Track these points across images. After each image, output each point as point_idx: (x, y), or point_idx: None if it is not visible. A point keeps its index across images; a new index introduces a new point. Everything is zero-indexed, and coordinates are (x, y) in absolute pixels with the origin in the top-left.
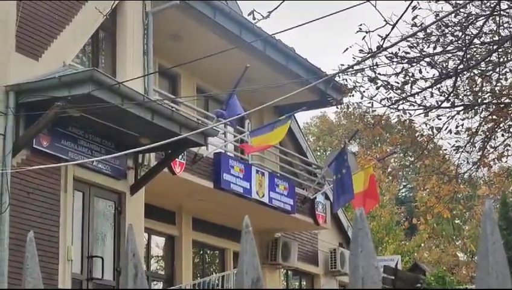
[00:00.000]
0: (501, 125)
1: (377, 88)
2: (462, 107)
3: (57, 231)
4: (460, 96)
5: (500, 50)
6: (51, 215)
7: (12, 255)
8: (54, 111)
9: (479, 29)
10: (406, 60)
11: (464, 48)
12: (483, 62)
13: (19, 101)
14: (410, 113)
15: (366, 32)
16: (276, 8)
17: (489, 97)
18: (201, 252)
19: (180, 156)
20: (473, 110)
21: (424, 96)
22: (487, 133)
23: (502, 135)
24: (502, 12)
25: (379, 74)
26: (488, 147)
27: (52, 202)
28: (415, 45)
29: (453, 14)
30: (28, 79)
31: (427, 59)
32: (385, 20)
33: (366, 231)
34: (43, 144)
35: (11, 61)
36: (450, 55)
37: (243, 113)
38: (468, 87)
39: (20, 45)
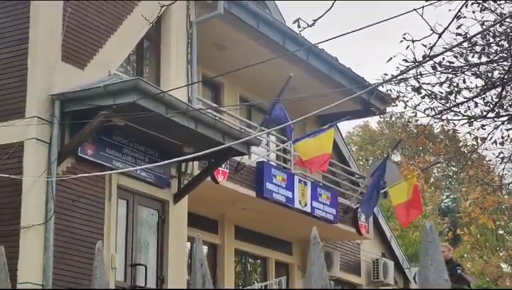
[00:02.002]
0: None
1: (422, 98)
2: (506, 118)
3: (101, 238)
4: (505, 107)
5: None
6: (95, 223)
7: (57, 262)
8: (98, 120)
9: None
10: (451, 70)
11: (510, 58)
12: None
13: (64, 109)
14: (454, 123)
15: (413, 42)
16: (321, 17)
17: None
18: (244, 261)
19: (223, 165)
20: None
21: (469, 106)
22: None
23: None
24: None
25: (423, 83)
26: None
27: (96, 209)
28: (460, 54)
29: (498, 24)
30: (74, 88)
31: (472, 69)
32: (432, 30)
33: (436, 244)
34: (88, 152)
35: (57, 71)
36: (495, 65)
37: (289, 122)
38: None
39: (66, 54)
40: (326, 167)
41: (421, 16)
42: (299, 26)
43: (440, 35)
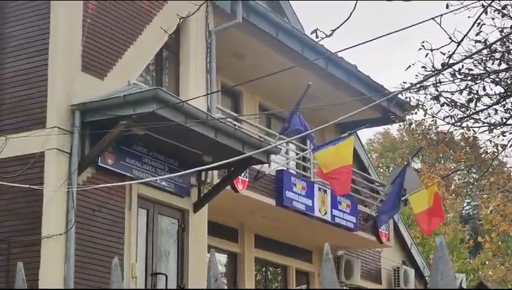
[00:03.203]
0: None
1: (441, 105)
2: None
3: (122, 248)
4: None
5: None
6: (115, 232)
7: (77, 272)
8: (118, 129)
9: None
10: (470, 77)
11: None
12: None
13: (85, 119)
14: (474, 130)
15: (431, 50)
16: (339, 27)
17: None
18: (264, 269)
19: (242, 174)
20: None
21: (489, 113)
22: None
23: None
24: None
25: (442, 91)
26: None
27: (116, 219)
28: (479, 61)
29: None
30: (93, 98)
31: (492, 76)
32: (450, 38)
33: (446, 259)
34: (108, 162)
35: (77, 81)
36: None
37: (308, 131)
38: None
39: (85, 64)
40: (349, 189)
41: (439, 25)
42: (317, 37)
43: (459, 44)
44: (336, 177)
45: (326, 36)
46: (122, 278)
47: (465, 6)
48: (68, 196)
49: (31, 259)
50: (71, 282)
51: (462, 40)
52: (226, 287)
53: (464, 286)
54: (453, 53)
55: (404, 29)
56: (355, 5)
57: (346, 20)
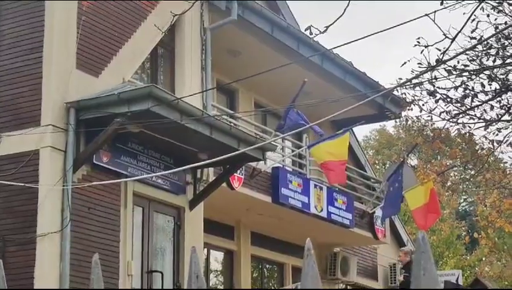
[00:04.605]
0: None
1: (436, 101)
2: None
3: (117, 246)
4: None
5: None
6: (111, 230)
7: (73, 270)
8: (113, 127)
9: None
10: (466, 73)
11: None
12: None
13: (79, 117)
14: (470, 127)
15: (425, 47)
16: (333, 23)
17: None
18: (260, 266)
19: (238, 171)
20: None
21: (484, 110)
22: None
23: None
24: None
25: (438, 87)
26: None
27: (112, 217)
28: (475, 58)
29: None
30: (88, 96)
31: (487, 72)
32: (444, 34)
33: (429, 255)
34: (103, 159)
35: (72, 78)
36: (510, 67)
37: (309, 125)
38: None
39: (80, 62)
40: (345, 179)
41: (433, 21)
42: (311, 33)
43: (453, 40)
44: (330, 168)
45: (320, 33)
46: (118, 276)
47: (460, 2)
48: (63, 194)
49: (26, 257)
50: (67, 280)
51: (456, 36)
52: (205, 285)
53: (460, 282)
54: (447, 49)
55: (399, 25)
56: (349, 2)
57: (340, 16)
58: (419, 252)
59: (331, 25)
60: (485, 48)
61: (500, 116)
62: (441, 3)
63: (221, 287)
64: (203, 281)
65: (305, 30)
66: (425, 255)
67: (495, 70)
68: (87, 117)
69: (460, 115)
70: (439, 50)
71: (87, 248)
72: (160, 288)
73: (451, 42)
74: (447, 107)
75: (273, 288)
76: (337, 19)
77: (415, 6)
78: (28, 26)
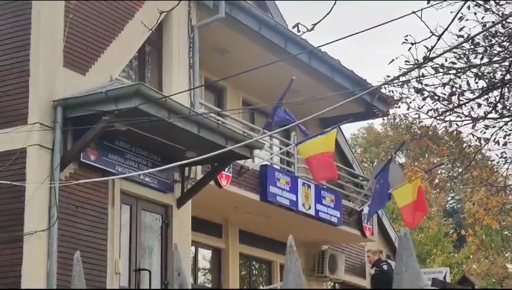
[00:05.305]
0: None
1: (424, 99)
2: (510, 118)
3: (105, 244)
4: (508, 107)
5: None
6: (98, 228)
7: (60, 268)
8: (101, 125)
9: None
10: (453, 71)
11: (511, 58)
12: None
13: (67, 115)
14: (457, 124)
15: (412, 44)
16: (320, 21)
17: None
18: (248, 264)
19: (226, 169)
20: None
21: (472, 107)
22: None
23: None
24: None
25: (426, 85)
26: None
27: (99, 215)
28: (462, 55)
29: (500, 24)
30: (75, 94)
31: (474, 70)
32: (431, 32)
33: (411, 251)
34: (91, 157)
35: (59, 76)
36: (497, 65)
37: (295, 122)
38: None
39: (67, 60)
40: (335, 173)
41: (420, 19)
42: (298, 31)
43: (439, 37)
44: (315, 163)
45: (308, 30)
46: (105, 274)
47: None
48: (50, 192)
49: (14, 256)
50: (54, 279)
51: (442, 33)
52: (189, 282)
53: (448, 280)
54: (433, 46)
55: (387, 23)
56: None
57: (327, 14)
58: (402, 248)
59: (318, 22)
60: (472, 46)
61: (486, 113)
62: (428, 2)
63: (210, 286)
64: (184, 278)
65: (292, 28)
66: (407, 251)
67: (482, 68)
68: (74, 115)
69: (448, 113)
70: (427, 48)
71: (75, 246)
72: (148, 288)
73: (438, 40)
74: (435, 105)
75: (256, 288)
76: (324, 16)
77: (405, 6)
78: (14, 24)
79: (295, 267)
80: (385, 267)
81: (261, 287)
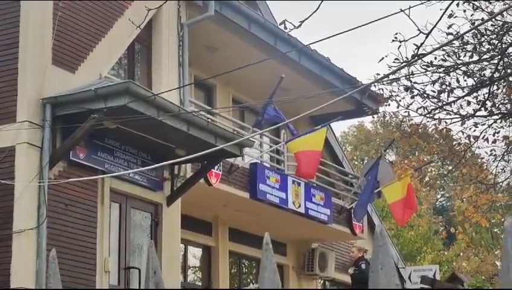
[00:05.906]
0: None
1: (413, 97)
2: (499, 116)
3: (94, 242)
4: (497, 105)
5: None
6: (88, 227)
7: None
8: (90, 123)
9: None
10: (442, 69)
11: (499, 56)
12: None
13: (56, 113)
14: (446, 122)
15: (401, 42)
16: (307, 18)
17: None
18: (238, 262)
19: (216, 167)
20: (510, 119)
21: (461, 105)
22: None
23: None
24: None
25: (415, 82)
26: None
27: (89, 213)
28: (451, 53)
29: (489, 23)
30: (64, 92)
31: (463, 68)
32: (419, 30)
33: (387, 249)
34: (80, 156)
35: (48, 74)
36: (486, 63)
37: (284, 122)
38: (505, 96)
39: (56, 58)
40: (314, 172)
41: (408, 16)
42: (285, 28)
43: (428, 35)
44: (302, 159)
45: (295, 27)
46: (95, 273)
47: None
48: (39, 191)
49: (3, 254)
50: (43, 277)
51: (431, 31)
52: (163, 281)
53: (438, 278)
54: (422, 44)
55: (375, 21)
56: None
57: (314, 12)
58: (377, 245)
59: (305, 20)
60: (461, 44)
61: (475, 111)
62: None
63: (200, 284)
64: (160, 277)
65: (279, 24)
66: (383, 249)
67: (471, 66)
68: (63, 113)
69: (437, 111)
70: (417, 46)
71: (64, 244)
72: (138, 288)
73: (426, 37)
74: (424, 103)
75: (239, 288)
76: (312, 14)
77: (396, 4)
78: (3, 22)
79: (271, 264)
80: (363, 266)
81: (251, 286)
